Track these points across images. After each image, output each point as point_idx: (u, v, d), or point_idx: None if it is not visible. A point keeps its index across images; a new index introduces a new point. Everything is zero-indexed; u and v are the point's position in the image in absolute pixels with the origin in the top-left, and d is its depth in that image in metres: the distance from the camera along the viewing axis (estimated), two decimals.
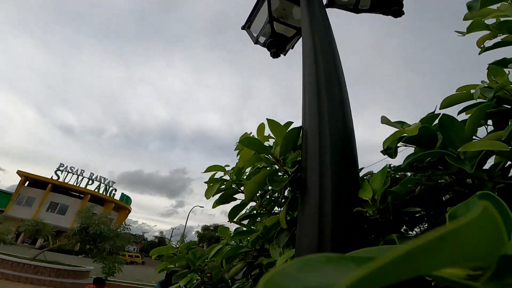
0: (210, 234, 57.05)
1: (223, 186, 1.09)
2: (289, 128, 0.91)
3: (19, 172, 37.43)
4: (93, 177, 40.69)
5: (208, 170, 1.08)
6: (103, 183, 41.08)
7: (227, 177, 1.12)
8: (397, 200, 0.74)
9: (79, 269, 12.03)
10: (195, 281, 1.31)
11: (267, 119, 0.94)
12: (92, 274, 12.94)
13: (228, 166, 1.15)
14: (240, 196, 1.12)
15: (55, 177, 38.20)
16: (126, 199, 44.28)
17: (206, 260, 1.37)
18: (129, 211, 46.20)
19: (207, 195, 1.07)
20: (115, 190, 42.12)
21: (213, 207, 1.12)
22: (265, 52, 1.86)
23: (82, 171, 39.95)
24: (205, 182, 1.12)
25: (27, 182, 38.98)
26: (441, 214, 0.73)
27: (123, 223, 14.21)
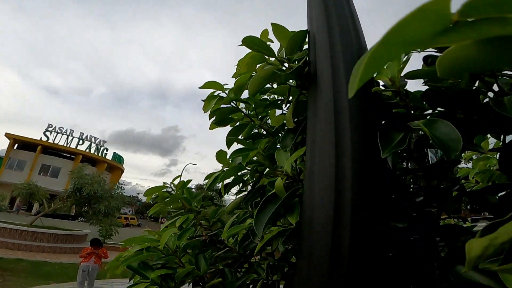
0: (204, 193, 57.93)
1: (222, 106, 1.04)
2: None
3: (7, 135, 36.76)
4: (83, 136, 40.22)
5: (205, 86, 1.01)
6: (94, 143, 40.69)
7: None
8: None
9: (76, 233, 12.23)
10: (191, 222, 1.25)
11: (271, 23, 0.85)
12: (90, 237, 13.27)
13: (227, 84, 1.06)
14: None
15: (44, 139, 37.64)
16: (118, 158, 44.25)
17: (203, 203, 1.33)
18: (122, 171, 46.44)
19: (205, 108, 1.04)
20: (107, 150, 41.84)
21: (211, 128, 1.10)
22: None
23: (72, 131, 39.43)
24: (203, 100, 1.08)
25: (16, 145, 38.46)
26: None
27: (117, 183, 14.15)
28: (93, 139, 40.88)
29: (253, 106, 1.09)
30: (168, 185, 1.33)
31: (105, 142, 42.00)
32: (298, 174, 0.78)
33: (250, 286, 1.02)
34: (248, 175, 1.06)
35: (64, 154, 40.46)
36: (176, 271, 1.02)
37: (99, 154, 40.74)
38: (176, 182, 1.33)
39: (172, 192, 1.31)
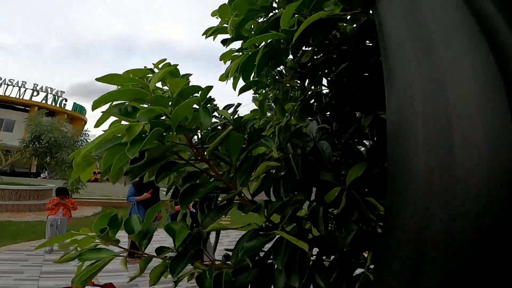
0: None
1: None
2: None
3: None
4: (38, 87, 36.88)
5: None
6: (50, 93, 37.44)
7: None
8: None
9: (40, 187, 11.26)
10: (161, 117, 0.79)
11: None
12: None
13: None
14: None
15: None
16: (79, 109, 41.48)
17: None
18: (85, 122, 43.97)
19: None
20: (66, 101, 38.93)
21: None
22: None
23: (24, 83, 36.25)
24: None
25: None
26: None
27: (81, 134, 12.52)
28: (49, 89, 37.63)
29: None
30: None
31: (63, 92, 38.89)
32: None
33: None
34: None
35: (18, 106, 37.34)
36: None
37: (58, 105, 37.99)
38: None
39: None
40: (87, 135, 11.62)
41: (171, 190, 1.21)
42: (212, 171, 0.90)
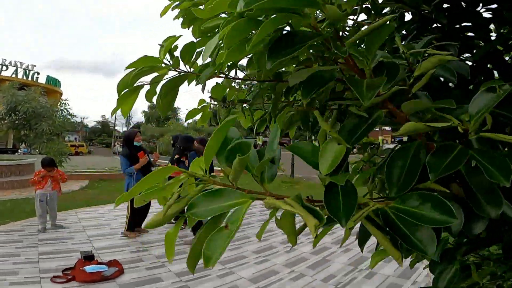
0: (158, 113, 55.47)
1: None
2: None
3: None
4: (6, 62, 34.38)
5: None
6: (20, 68, 35.06)
7: None
8: None
9: (21, 162, 10.08)
10: None
11: None
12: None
13: None
14: None
15: None
16: (54, 81, 38.97)
17: None
18: (61, 94, 41.60)
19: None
20: (38, 74, 36.56)
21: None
22: None
23: None
24: None
25: None
26: None
27: (59, 102, 11.26)
28: (19, 64, 35.07)
29: None
30: None
31: (35, 66, 36.33)
32: None
33: None
34: None
35: None
36: None
37: (30, 79, 35.52)
38: None
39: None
40: (67, 104, 10.59)
41: None
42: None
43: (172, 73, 0.84)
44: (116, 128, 66.46)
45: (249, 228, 5.69)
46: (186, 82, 0.86)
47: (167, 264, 3.78)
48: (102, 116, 75.11)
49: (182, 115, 56.99)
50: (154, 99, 0.86)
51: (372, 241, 0.65)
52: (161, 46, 0.80)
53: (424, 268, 3.81)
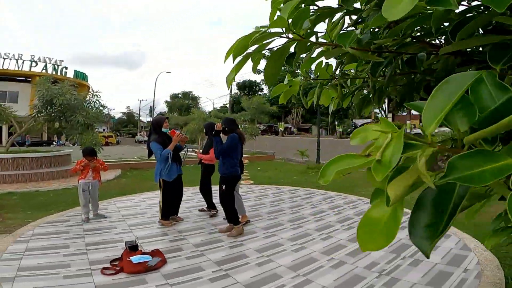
0: (180, 102, 56.62)
1: None
2: None
3: None
4: (36, 58, 35.74)
5: None
6: (49, 63, 36.34)
7: None
8: None
9: (59, 153, 10.75)
10: None
11: None
12: (74, 157, 12.31)
13: None
14: None
15: None
16: (81, 75, 40.21)
17: None
18: (89, 88, 42.84)
19: None
20: (66, 69, 37.78)
21: None
22: None
23: (20, 55, 35.09)
24: None
25: None
26: None
27: (91, 93, 11.10)
28: (47, 59, 36.41)
29: None
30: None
31: (62, 61, 37.58)
32: None
33: None
34: None
35: (19, 78, 36.42)
36: None
37: (59, 74, 36.75)
38: None
39: None
40: (98, 96, 10.82)
41: None
42: None
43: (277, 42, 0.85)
44: (140, 118, 68.12)
45: (281, 215, 5.67)
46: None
47: (206, 253, 3.83)
48: (127, 107, 77.30)
49: (202, 103, 57.47)
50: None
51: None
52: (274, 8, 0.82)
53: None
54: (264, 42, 0.79)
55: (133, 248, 3.59)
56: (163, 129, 4.98)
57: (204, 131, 5.44)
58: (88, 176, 5.10)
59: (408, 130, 25.61)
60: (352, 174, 7.87)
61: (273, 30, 0.76)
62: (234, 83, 43.99)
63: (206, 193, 5.72)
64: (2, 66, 34.60)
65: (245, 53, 0.80)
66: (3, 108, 10.25)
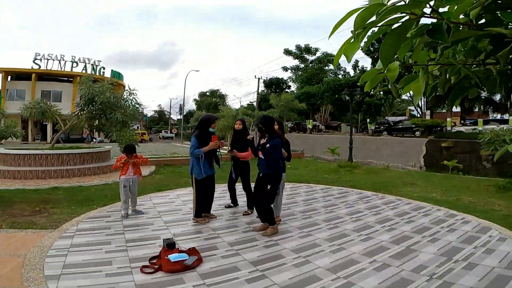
0: (208, 101, 57.50)
1: None
2: None
3: None
4: (76, 59, 37.82)
5: None
6: (89, 63, 38.26)
7: None
8: None
9: (99, 149, 11.23)
10: None
11: None
12: (113, 153, 12.77)
13: None
14: None
15: (35, 67, 36.03)
16: (118, 75, 41.95)
17: None
18: (124, 87, 44.48)
19: None
20: (104, 68, 39.53)
21: None
22: None
23: (63, 56, 37.32)
24: None
25: (9, 77, 36.89)
26: None
27: (128, 91, 11.23)
28: (87, 60, 38.49)
29: None
30: None
31: (100, 61, 39.45)
32: None
33: None
34: None
35: (61, 78, 38.67)
36: None
37: (97, 74, 38.57)
38: None
39: None
40: (135, 94, 11.15)
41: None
42: None
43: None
44: (171, 116, 69.98)
45: (316, 214, 5.51)
46: None
47: (241, 252, 3.77)
48: (158, 105, 79.59)
49: (229, 101, 58.02)
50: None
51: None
52: None
53: None
54: (388, 17, 0.70)
55: (170, 246, 3.60)
56: (210, 129, 4.95)
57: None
58: (129, 172, 5.21)
59: (448, 128, 24.14)
60: (389, 174, 7.54)
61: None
62: (260, 81, 43.88)
63: (248, 191, 5.54)
64: (46, 67, 36.76)
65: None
66: (49, 106, 10.81)
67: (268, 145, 4.40)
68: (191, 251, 3.64)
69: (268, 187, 4.41)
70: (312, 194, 7.33)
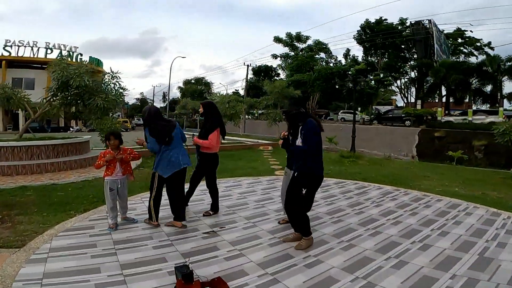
0: (193, 88, 55.64)
1: None
2: None
3: None
4: (51, 45, 35.11)
5: None
6: (64, 50, 35.53)
7: None
8: None
9: (76, 140, 9.48)
10: None
11: None
12: (92, 144, 11.29)
13: None
14: None
15: (5, 54, 33.52)
16: (97, 62, 39.29)
17: None
18: (104, 74, 41.90)
19: None
20: (81, 55, 36.85)
21: None
22: None
23: (35, 42, 34.64)
24: None
25: None
26: None
27: (109, 74, 9.86)
28: (62, 46, 35.81)
29: None
30: None
31: (77, 48, 36.80)
32: None
33: None
34: None
35: (34, 65, 35.89)
36: None
37: (74, 60, 35.94)
38: None
39: None
40: (118, 77, 9.60)
41: None
42: None
43: None
44: (155, 104, 67.30)
45: (346, 216, 4.52)
46: None
47: (279, 278, 2.72)
48: (140, 93, 76.62)
49: (214, 89, 56.46)
50: None
51: None
52: None
53: None
54: None
55: (187, 278, 2.46)
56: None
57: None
58: (116, 171, 3.93)
59: (439, 118, 23.96)
60: (393, 165, 6.49)
61: None
62: (249, 68, 42.50)
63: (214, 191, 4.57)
64: (17, 54, 34.13)
65: None
66: (15, 91, 9.18)
67: (304, 130, 3.33)
68: (216, 282, 2.55)
69: (304, 191, 3.36)
70: (328, 190, 6.36)
